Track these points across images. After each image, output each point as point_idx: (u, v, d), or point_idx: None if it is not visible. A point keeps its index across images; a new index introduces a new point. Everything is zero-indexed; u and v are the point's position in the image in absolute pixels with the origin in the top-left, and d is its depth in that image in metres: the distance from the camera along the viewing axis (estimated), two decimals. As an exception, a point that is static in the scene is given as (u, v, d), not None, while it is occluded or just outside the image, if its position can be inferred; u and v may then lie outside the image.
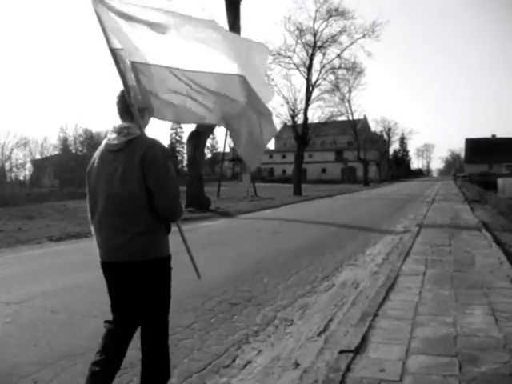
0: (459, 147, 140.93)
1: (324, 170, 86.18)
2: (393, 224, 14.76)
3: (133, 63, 3.11)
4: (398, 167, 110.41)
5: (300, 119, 39.05)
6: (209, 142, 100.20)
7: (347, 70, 42.63)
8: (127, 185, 2.80)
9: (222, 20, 22.29)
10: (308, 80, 38.78)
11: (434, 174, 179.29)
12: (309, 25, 38.85)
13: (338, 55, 40.35)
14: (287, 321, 5.30)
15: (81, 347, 4.42)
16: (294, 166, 39.00)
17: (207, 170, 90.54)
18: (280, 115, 38.65)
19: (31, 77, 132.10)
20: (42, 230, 13.75)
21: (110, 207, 2.86)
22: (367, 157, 67.25)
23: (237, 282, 7.03)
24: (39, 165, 66.68)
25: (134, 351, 3.31)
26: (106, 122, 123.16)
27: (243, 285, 6.86)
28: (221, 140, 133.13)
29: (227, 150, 42.10)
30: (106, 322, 3.18)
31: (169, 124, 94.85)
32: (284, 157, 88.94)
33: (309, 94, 38.84)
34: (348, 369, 3.58)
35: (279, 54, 38.04)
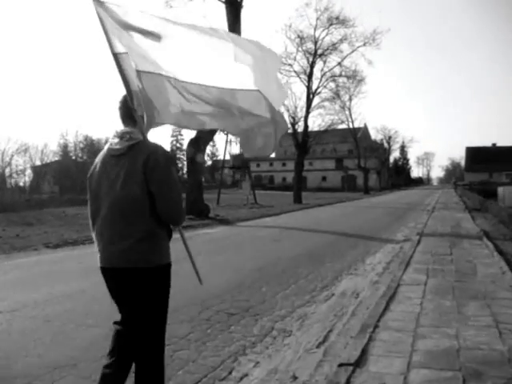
0: (459, 156, 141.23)
1: (324, 178, 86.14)
2: (393, 233, 14.64)
3: (137, 71, 3.03)
4: (398, 175, 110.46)
5: (300, 127, 39.04)
6: (209, 150, 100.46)
7: (348, 77, 42.77)
8: (129, 189, 2.78)
9: (223, 27, 22.29)
10: (308, 88, 38.78)
11: (435, 183, 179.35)
12: (309, 33, 39.03)
13: (339, 63, 40.45)
14: (285, 331, 5.17)
15: (73, 358, 4.30)
16: (294, 174, 38.90)
17: (207, 177, 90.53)
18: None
19: (32, 83, 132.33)
20: (40, 236, 13.64)
21: (112, 212, 2.83)
22: (367, 165, 67.18)
23: (235, 291, 6.91)
24: (39, 171, 66.62)
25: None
26: (107, 128, 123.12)
27: (241, 294, 6.74)
28: (221, 147, 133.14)
29: (227, 157, 41.91)
30: (114, 323, 3.15)
31: (169, 131, 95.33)
32: (284, 164, 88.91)
33: (309, 101, 38.83)
34: (348, 383, 3.46)
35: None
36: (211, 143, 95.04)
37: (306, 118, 38.59)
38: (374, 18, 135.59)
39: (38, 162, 69.64)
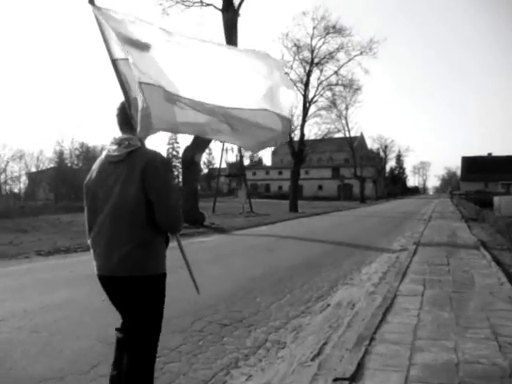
0: (455, 165, 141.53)
1: (320, 187, 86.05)
2: (389, 242, 14.53)
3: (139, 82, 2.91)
4: (394, 184, 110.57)
5: (297, 136, 38.88)
6: (205, 158, 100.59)
7: (344, 86, 42.73)
8: (127, 197, 2.76)
9: (219, 36, 22.30)
10: (305, 96, 38.72)
11: (430, 192, 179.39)
12: (306, 41, 38.93)
13: (335, 72, 40.39)
14: (279, 343, 5.04)
15: (60, 370, 4.17)
16: (291, 183, 38.82)
17: (203, 186, 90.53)
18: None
19: (28, 89, 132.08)
20: (34, 243, 13.48)
21: (109, 219, 2.81)
22: (364, 174, 67.19)
23: (228, 300, 6.78)
24: (34, 178, 66.40)
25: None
26: (103, 135, 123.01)
27: (235, 304, 6.60)
28: (217, 155, 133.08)
29: (223, 165, 41.93)
30: (116, 329, 3.09)
31: (166, 138, 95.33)
32: (280, 173, 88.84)
33: (305, 110, 38.76)
34: (343, 399, 3.33)
35: (276, 70, 37.99)
36: (207, 151, 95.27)
37: (302, 126, 38.51)
38: (370, 27, 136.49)
39: (33, 169, 69.40)
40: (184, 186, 21.78)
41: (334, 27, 37.73)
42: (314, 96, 39.94)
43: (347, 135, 60.89)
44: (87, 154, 65.74)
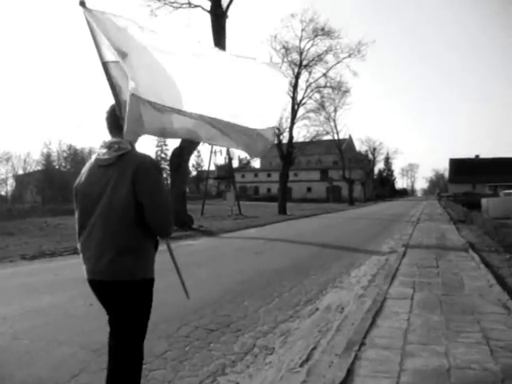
0: (443, 167, 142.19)
1: (309, 189, 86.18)
2: (378, 244, 14.48)
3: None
4: (382, 187, 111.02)
5: (285, 138, 38.89)
6: (194, 160, 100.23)
7: (333, 89, 42.78)
8: (117, 200, 2.75)
9: (208, 37, 22.21)
10: (293, 98, 38.70)
11: (419, 194, 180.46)
12: (295, 43, 38.97)
13: (324, 74, 40.50)
14: (267, 349, 4.93)
15: (39, 379, 4.04)
16: (279, 185, 38.80)
17: (192, 188, 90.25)
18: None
19: (14, 91, 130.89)
20: (20, 247, 13.29)
21: (98, 223, 2.79)
22: (352, 176, 67.31)
23: (216, 305, 6.66)
24: (22, 180, 65.87)
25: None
26: (91, 138, 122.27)
27: (222, 308, 6.49)
28: (206, 158, 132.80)
29: (212, 167, 41.81)
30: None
31: (154, 141, 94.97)
32: (269, 175, 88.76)
33: (294, 112, 38.76)
34: (332, 407, 3.23)
35: (265, 72, 37.93)
36: (196, 153, 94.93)
37: (290, 128, 38.52)
38: (359, 29, 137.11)
39: (20, 171, 68.93)
40: (172, 189, 21.61)
41: (322, 29, 37.87)
42: (303, 98, 40.06)
43: (336, 137, 61.01)
44: (75, 157, 65.37)
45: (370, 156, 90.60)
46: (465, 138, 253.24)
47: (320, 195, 79.85)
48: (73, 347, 4.80)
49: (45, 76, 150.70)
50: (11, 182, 66.38)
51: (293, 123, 38.65)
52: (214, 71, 3.39)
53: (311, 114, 43.27)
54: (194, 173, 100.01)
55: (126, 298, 2.83)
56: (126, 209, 2.75)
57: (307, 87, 40.24)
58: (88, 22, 2.91)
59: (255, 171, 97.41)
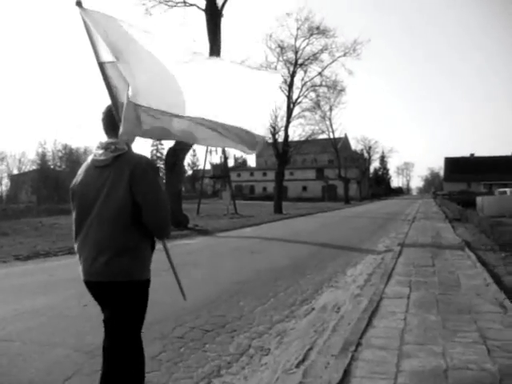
0: (438, 166, 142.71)
1: (305, 188, 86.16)
2: (374, 243, 14.47)
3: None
4: (378, 185, 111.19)
5: (281, 137, 38.90)
6: (189, 159, 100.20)
7: (328, 87, 42.75)
8: (113, 201, 2.75)
9: (203, 36, 22.14)
10: (289, 97, 38.70)
11: (414, 193, 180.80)
12: (290, 42, 38.99)
13: (319, 73, 40.47)
14: (263, 350, 4.88)
15: (31, 382, 3.96)
16: (275, 184, 38.74)
17: (188, 187, 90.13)
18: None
19: (8, 91, 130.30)
20: (14, 247, 13.21)
21: (95, 224, 2.80)
22: (348, 175, 67.39)
23: (211, 305, 6.61)
24: (17, 180, 65.66)
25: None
26: (87, 137, 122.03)
27: (218, 309, 6.44)
28: (201, 157, 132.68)
29: (208, 167, 41.73)
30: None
31: (150, 140, 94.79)
32: (265, 174, 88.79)
33: (290, 111, 38.75)
34: (329, 409, 3.19)
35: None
36: (191, 152, 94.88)
37: (286, 127, 38.52)
38: (354, 28, 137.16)
39: (15, 171, 68.70)
40: (167, 188, 21.53)
41: (317, 28, 37.85)
42: (298, 97, 40.05)
43: (331, 136, 61.02)
44: (70, 156, 65.07)
45: (366, 155, 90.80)
46: (460, 136, 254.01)
47: (316, 194, 79.90)
48: (66, 349, 4.74)
49: (39, 75, 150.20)
50: (6, 181, 66.23)
51: (288, 122, 38.67)
52: (207, 75, 3.37)
53: (307, 113, 43.31)
54: (189, 172, 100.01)
55: (122, 299, 2.83)
56: (122, 209, 2.75)
57: (303, 86, 40.27)
58: (84, 22, 2.90)
59: (251, 170, 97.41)
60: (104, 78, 2.94)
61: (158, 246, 3.10)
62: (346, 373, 3.81)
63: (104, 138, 3.01)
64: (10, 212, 31.84)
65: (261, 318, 6.06)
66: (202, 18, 22.12)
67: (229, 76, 3.48)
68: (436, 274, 8.19)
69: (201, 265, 10.37)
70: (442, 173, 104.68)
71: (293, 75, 38.80)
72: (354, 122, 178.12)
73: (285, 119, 38.68)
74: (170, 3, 23.39)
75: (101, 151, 2.89)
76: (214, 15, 21.54)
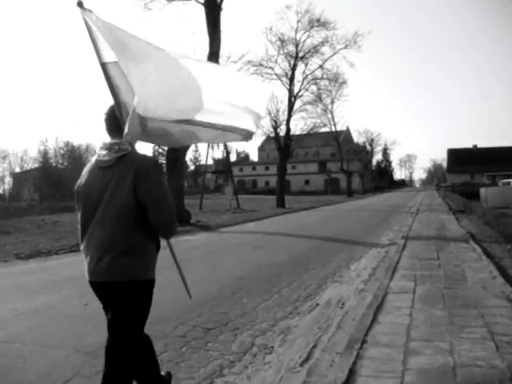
0: (441, 157, 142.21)
1: (307, 182, 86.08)
2: (378, 236, 14.36)
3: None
4: (381, 178, 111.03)
5: (282, 131, 38.73)
6: (191, 154, 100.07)
7: (329, 80, 42.49)
8: (118, 201, 2.76)
9: (202, 30, 21.99)
10: (290, 91, 38.53)
11: (417, 185, 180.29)
12: (290, 35, 38.77)
13: (320, 66, 40.18)
14: (266, 348, 4.80)
15: (29, 385, 3.89)
16: (277, 178, 38.64)
17: (190, 183, 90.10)
18: (262, 127, 38.21)
19: (10, 89, 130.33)
20: (16, 246, 13.13)
21: (99, 225, 2.81)
22: (350, 168, 67.18)
23: (213, 302, 6.53)
24: (19, 178, 65.68)
25: None
26: (88, 135, 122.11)
27: (220, 306, 6.36)
28: (203, 152, 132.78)
29: (210, 162, 41.70)
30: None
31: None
32: (267, 168, 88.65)
33: (291, 104, 38.55)
34: (334, 411, 3.10)
35: (261, 64, 37.77)
36: (193, 148, 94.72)
37: (288, 121, 38.32)
38: (356, 20, 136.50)
39: (17, 169, 68.74)
40: (169, 184, 21.46)
41: (318, 20, 37.60)
42: (300, 90, 39.82)
43: (333, 129, 60.84)
44: (72, 153, 64.93)
45: (368, 147, 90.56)
46: (463, 128, 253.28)
47: (318, 187, 79.82)
48: (66, 350, 4.67)
49: (40, 72, 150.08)
50: (8, 180, 66.25)
51: (290, 116, 38.44)
52: (206, 79, 3.34)
53: (308, 107, 42.98)
54: (191, 167, 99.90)
55: (126, 299, 2.83)
56: (126, 209, 2.76)
57: (304, 79, 40.03)
58: (86, 23, 2.88)
59: (253, 164, 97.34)
60: (106, 78, 2.94)
61: (162, 243, 3.08)
62: (352, 372, 3.71)
63: (107, 139, 3.00)
64: (12, 210, 31.85)
65: (264, 315, 5.98)
66: (201, 13, 21.95)
67: (224, 80, 3.54)
68: (441, 268, 8.08)
69: (203, 261, 10.29)
70: (445, 164, 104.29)
71: (294, 68, 38.64)
72: (356, 115, 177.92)
73: (286, 113, 38.50)
74: (168, -3, 23.21)
75: (104, 152, 2.89)
76: (213, 8, 21.37)
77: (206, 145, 39.49)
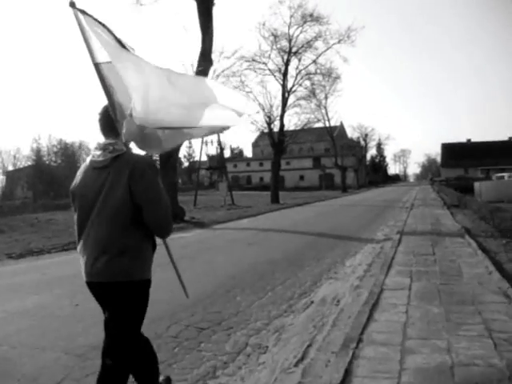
0: (435, 152, 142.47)
1: (302, 177, 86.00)
2: (373, 232, 14.29)
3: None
4: (375, 173, 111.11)
5: (276, 126, 38.55)
6: (185, 151, 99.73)
7: (323, 75, 42.33)
8: (113, 202, 2.74)
9: (195, 25, 21.82)
10: (284, 86, 38.38)
11: (411, 179, 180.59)
12: (284, 30, 38.62)
13: (314, 61, 40.06)
14: (261, 348, 4.71)
15: (17, 389, 3.78)
16: (272, 174, 38.51)
17: (184, 179, 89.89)
18: (256, 122, 38.09)
19: (2, 86, 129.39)
20: (8, 245, 13.01)
21: (95, 225, 2.80)
22: (345, 163, 67.12)
23: (207, 301, 6.43)
24: (12, 176, 65.36)
25: None
26: (81, 132, 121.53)
27: (214, 305, 6.26)
28: (197, 148, 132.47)
29: (204, 158, 41.50)
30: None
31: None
32: (261, 164, 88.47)
33: (285, 100, 38.38)
34: (330, 414, 3.01)
35: (254, 60, 37.58)
36: (187, 144, 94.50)
37: (281, 116, 38.13)
38: (349, 15, 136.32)
39: (10, 167, 68.39)
40: (163, 181, 21.28)
41: (311, 15, 37.46)
42: (293, 86, 39.64)
43: (327, 125, 60.65)
44: (65, 151, 64.60)
45: (362, 142, 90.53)
46: (457, 122, 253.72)
47: (313, 183, 79.76)
48: (56, 352, 4.56)
49: (32, 70, 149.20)
50: (1, 178, 65.88)
51: (284, 111, 38.26)
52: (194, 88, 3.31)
53: (302, 102, 42.74)
54: (185, 164, 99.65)
55: (122, 299, 2.83)
56: (122, 210, 2.74)
57: (297, 74, 39.86)
58: (79, 23, 2.85)
59: (247, 160, 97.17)
60: (100, 78, 2.92)
61: (158, 242, 3.03)
62: (347, 372, 3.63)
63: (101, 139, 2.97)
64: (5, 209, 31.70)
65: (258, 313, 5.89)
66: (193, 7, 21.73)
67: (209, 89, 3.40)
68: (437, 263, 8.01)
69: (197, 258, 10.18)
70: (438, 159, 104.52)
71: (287, 63, 38.49)
72: (350, 110, 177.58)
73: (280, 108, 38.31)
74: (160, -8, 23.04)
75: (99, 152, 2.87)
76: (205, 4, 21.11)
77: (200, 141, 39.34)
